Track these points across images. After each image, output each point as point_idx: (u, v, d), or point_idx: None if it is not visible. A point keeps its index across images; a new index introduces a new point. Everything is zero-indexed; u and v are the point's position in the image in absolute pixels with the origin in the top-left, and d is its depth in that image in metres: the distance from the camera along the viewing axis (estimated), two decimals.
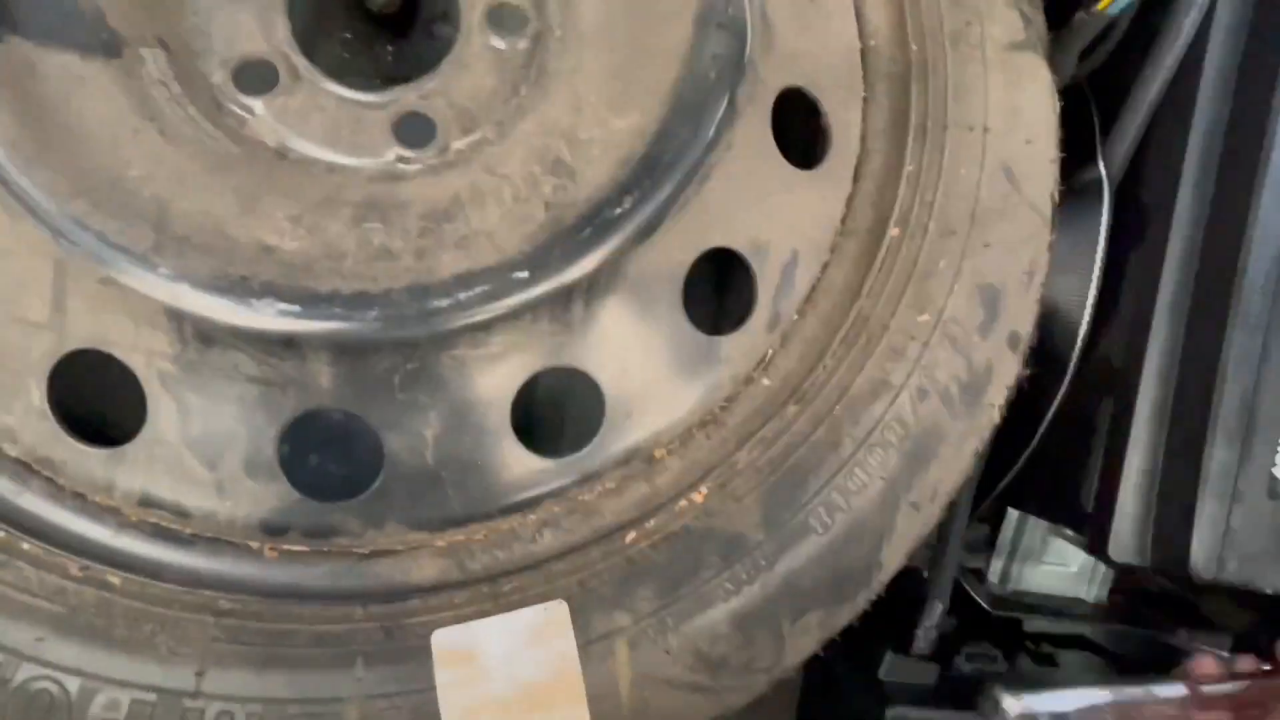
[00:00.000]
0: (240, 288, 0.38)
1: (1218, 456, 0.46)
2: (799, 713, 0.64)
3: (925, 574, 0.61)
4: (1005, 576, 0.70)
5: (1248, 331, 0.46)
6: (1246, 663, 0.52)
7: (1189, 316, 0.48)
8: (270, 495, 0.41)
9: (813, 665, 0.63)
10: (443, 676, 0.39)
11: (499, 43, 0.47)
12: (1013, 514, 0.69)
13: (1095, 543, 0.50)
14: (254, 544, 0.42)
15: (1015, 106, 0.51)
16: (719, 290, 0.55)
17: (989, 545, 0.72)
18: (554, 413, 0.52)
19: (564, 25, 0.47)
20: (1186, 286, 0.48)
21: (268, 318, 0.37)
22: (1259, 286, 0.45)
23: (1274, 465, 0.46)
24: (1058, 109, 0.52)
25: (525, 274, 0.40)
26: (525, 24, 0.48)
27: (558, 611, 0.41)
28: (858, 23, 0.52)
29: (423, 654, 0.40)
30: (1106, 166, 0.52)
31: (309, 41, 0.69)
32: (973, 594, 0.63)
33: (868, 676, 0.53)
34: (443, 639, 0.40)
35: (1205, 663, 0.51)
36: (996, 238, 0.49)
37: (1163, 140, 0.50)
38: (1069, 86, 0.57)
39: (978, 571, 0.72)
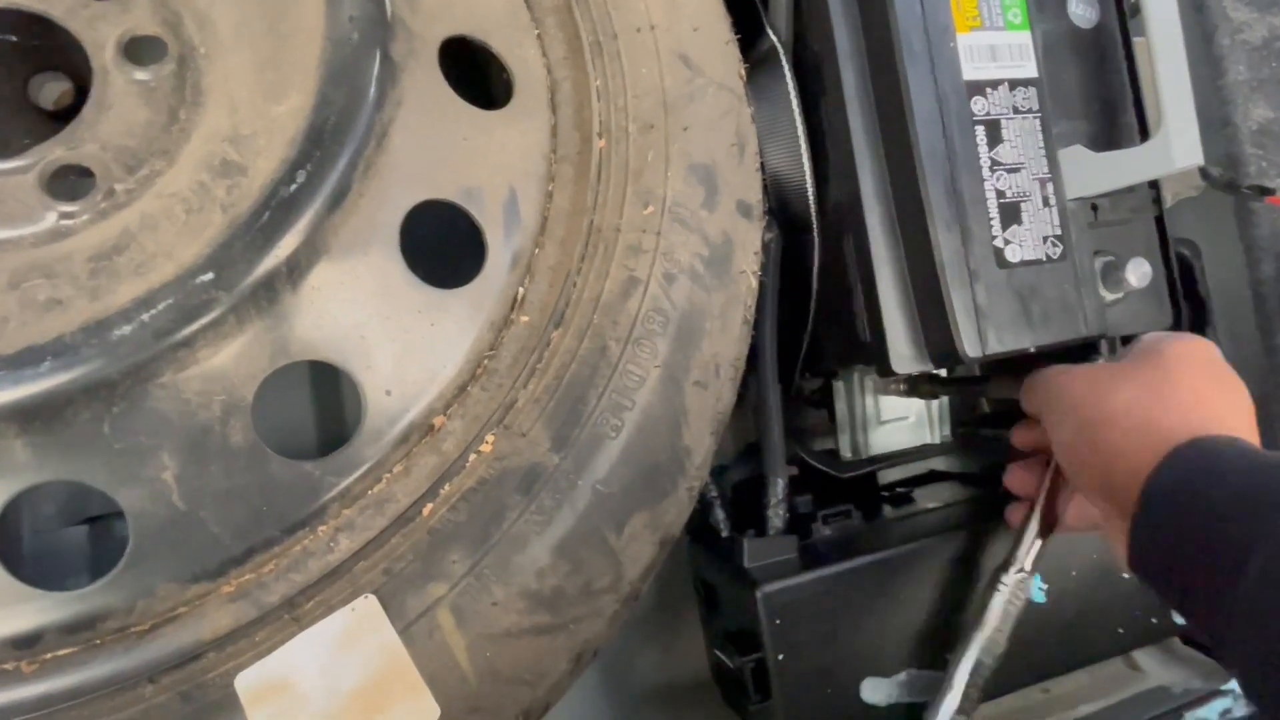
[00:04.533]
0: None
1: (945, 245, 0.49)
2: (707, 644, 0.63)
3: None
4: (855, 447, 0.72)
5: (927, 129, 0.49)
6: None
7: (881, 136, 0.52)
8: (6, 603, 0.37)
9: (700, 593, 0.64)
10: (258, 716, 0.36)
11: (142, 74, 0.45)
12: (839, 387, 0.72)
13: (881, 364, 0.52)
14: (7, 665, 0.37)
15: (673, 2, 0.53)
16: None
17: (833, 424, 0.75)
18: (335, 417, 0.49)
19: (205, 41, 0.46)
20: (870, 112, 0.52)
21: None
22: (922, 89, 0.49)
23: (993, 238, 0.50)
24: None
25: (210, 276, 0.38)
26: (164, 50, 0.46)
27: (366, 606, 0.38)
28: None
29: (231, 704, 0.37)
30: (774, 32, 0.56)
31: None
32: (825, 469, 0.65)
33: (736, 572, 0.53)
34: (247, 679, 0.37)
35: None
36: (693, 120, 0.51)
37: None
38: None
39: (832, 452, 0.74)
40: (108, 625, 0.38)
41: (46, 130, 0.65)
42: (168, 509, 0.38)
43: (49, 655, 0.37)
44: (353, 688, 0.37)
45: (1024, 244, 0.51)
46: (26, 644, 0.37)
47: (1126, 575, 0.57)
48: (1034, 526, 0.51)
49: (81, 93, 0.64)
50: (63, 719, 0.36)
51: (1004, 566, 0.52)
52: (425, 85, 0.46)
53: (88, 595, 0.38)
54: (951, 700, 0.49)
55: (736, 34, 0.55)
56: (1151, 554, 0.40)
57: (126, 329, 0.36)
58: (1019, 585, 0.51)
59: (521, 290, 0.47)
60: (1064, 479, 0.52)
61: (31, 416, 0.35)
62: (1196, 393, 0.43)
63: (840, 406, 0.73)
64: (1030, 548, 0.51)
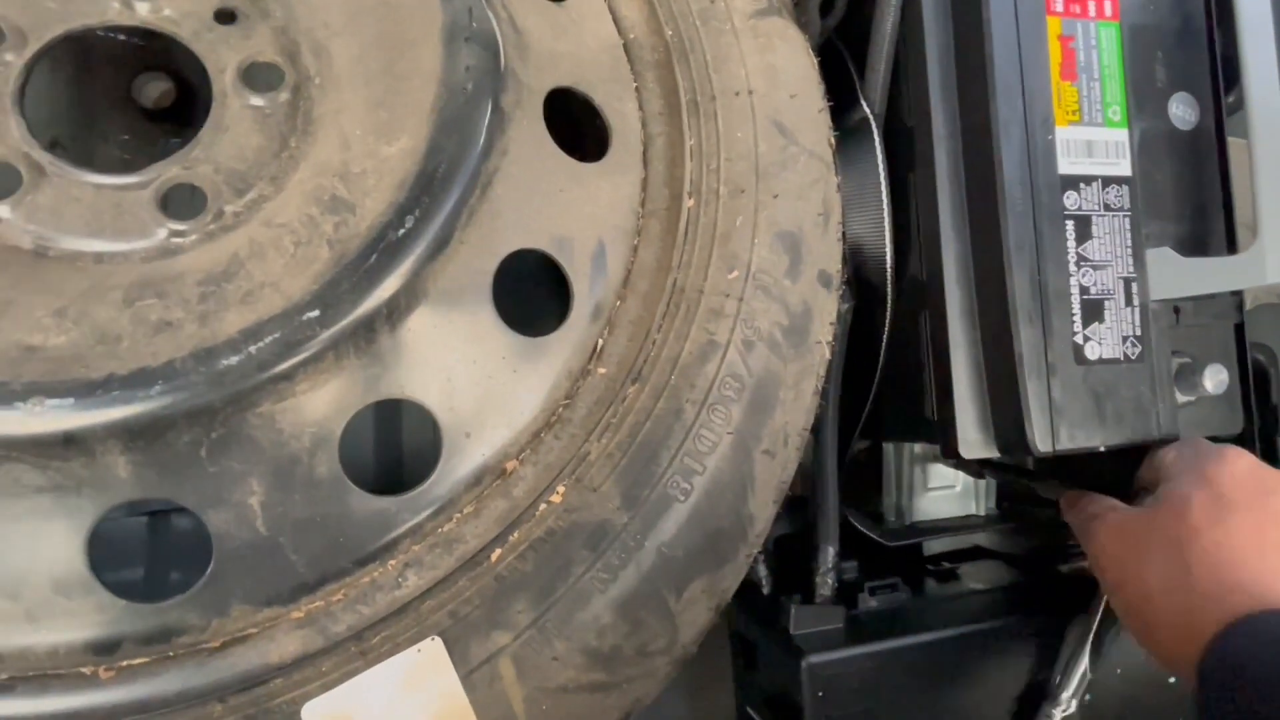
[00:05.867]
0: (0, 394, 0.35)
1: (1025, 338, 0.49)
2: (737, 699, 0.63)
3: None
4: (899, 512, 0.72)
5: (1018, 219, 0.49)
6: None
7: (969, 219, 0.52)
8: (90, 611, 0.38)
9: (738, 648, 0.64)
10: None
11: (258, 100, 0.47)
12: (888, 450, 0.72)
13: (946, 447, 0.52)
14: (85, 669, 0.38)
15: (772, 67, 0.54)
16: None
17: (879, 488, 0.74)
18: (393, 449, 0.50)
19: (320, 72, 0.47)
20: (960, 193, 0.52)
21: (37, 418, 0.35)
22: (1016, 178, 0.50)
23: (1074, 334, 0.50)
24: (815, 64, 0.56)
25: (316, 313, 0.39)
26: (281, 78, 0.47)
27: (432, 650, 0.39)
28: (613, 21, 0.54)
29: None
30: (869, 104, 0.56)
31: (84, 148, 0.66)
32: (869, 534, 0.65)
33: (780, 636, 0.54)
34: (314, 711, 0.38)
35: None
36: (783, 187, 0.51)
37: (908, 69, 0.54)
38: (824, 44, 0.62)
39: (875, 515, 0.74)
40: (182, 639, 0.39)
41: (144, 127, 0.67)
42: (251, 533, 0.39)
43: (125, 663, 0.38)
44: None
45: (1104, 342, 0.51)
46: (106, 650, 0.38)
47: (1173, 680, 0.56)
48: (1084, 659, 0.51)
49: (181, 93, 0.66)
50: None
51: (1051, 697, 0.51)
52: (530, 136, 0.47)
53: (166, 608, 0.39)
54: None
55: (829, 101, 0.55)
56: None
57: (233, 359, 0.37)
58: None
59: (601, 342, 0.48)
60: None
61: (136, 436, 0.37)
62: (1230, 549, 0.43)
63: (888, 470, 0.73)
64: (1078, 680, 0.51)
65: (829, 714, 0.51)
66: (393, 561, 0.42)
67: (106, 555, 0.61)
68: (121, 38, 0.64)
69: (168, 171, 0.45)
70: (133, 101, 0.67)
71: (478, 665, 0.40)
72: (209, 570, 0.39)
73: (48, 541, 0.37)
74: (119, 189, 0.44)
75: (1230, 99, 0.57)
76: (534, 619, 0.41)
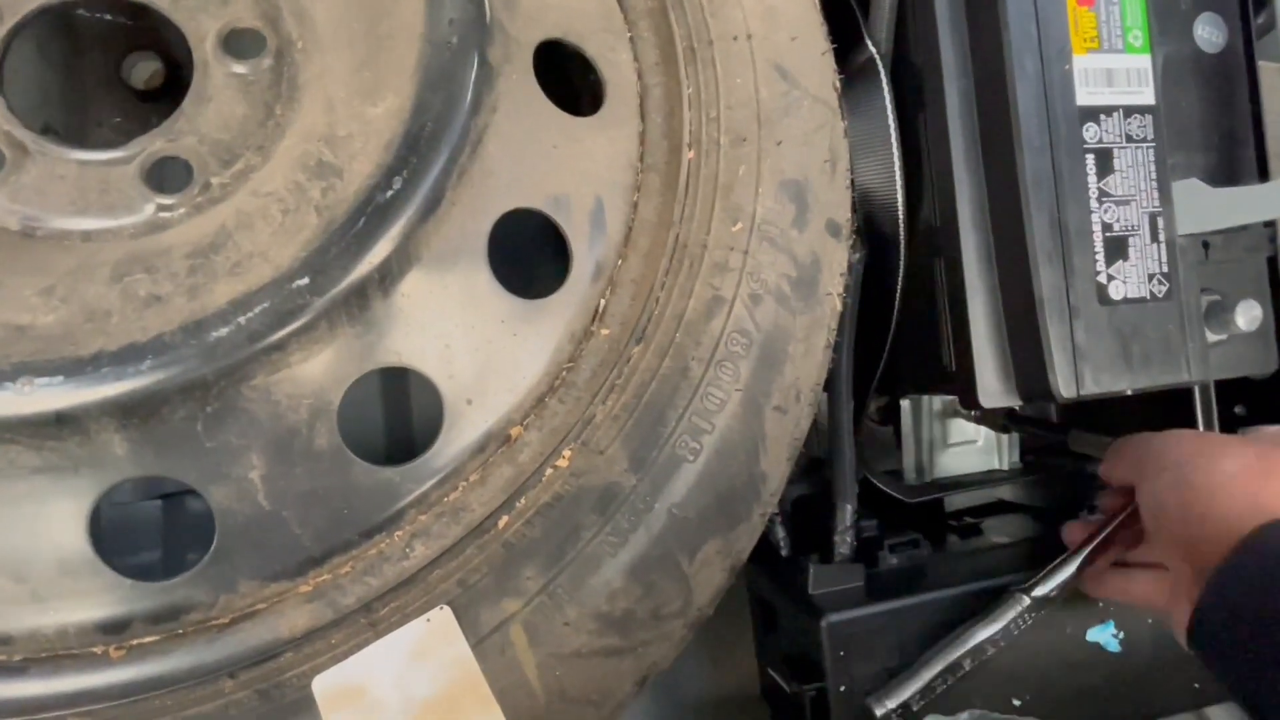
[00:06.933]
0: None
1: (1045, 279, 0.47)
2: (759, 663, 0.62)
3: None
4: (919, 469, 0.71)
5: (1034, 155, 0.47)
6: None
7: (984, 159, 0.49)
8: (98, 591, 0.37)
9: (757, 610, 0.63)
10: None
11: (240, 68, 0.45)
12: (906, 406, 0.70)
13: (966, 397, 0.50)
14: (96, 649, 0.38)
15: (771, 9, 0.51)
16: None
17: (899, 447, 0.73)
18: (403, 420, 0.49)
19: (303, 36, 0.46)
20: (973, 132, 0.50)
21: (28, 398, 0.34)
22: (1031, 112, 0.47)
23: (1097, 273, 0.48)
24: (817, 4, 0.53)
25: (305, 281, 0.38)
26: (263, 44, 0.46)
27: (441, 618, 0.39)
28: None
29: (308, 705, 0.37)
30: (874, 43, 0.53)
31: (76, 133, 0.65)
32: (889, 492, 0.63)
33: (799, 596, 0.53)
34: (324, 682, 0.37)
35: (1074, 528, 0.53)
36: (786, 134, 0.49)
37: (914, 3, 0.52)
38: None
39: (895, 473, 0.73)
40: (191, 617, 0.39)
41: (136, 109, 0.66)
42: (253, 508, 0.39)
43: (135, 642, 0.38)
44: (425, 699, 0.37)
45: (1128, 281, 0.48)
46: (115, 630, 0.38)
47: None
48: (1073, 567, 0.49)
49: (171, 73, 0.65)
50: (148, 707, 0.37)
51: (1027, 587, 0.49)
52: (520, 90, 0.45)
53: (173, 586, 0.39)
54: (914, 684, 0.48)
55: (833, 43, 0.53)
56: (1218, 632, 0.38)
57: (223, 331, 0.36)
58: (1024, 610, 0.49)
59: (603, 302, 0.46)
60: (1117, 543, 0.50)
61: (130, 413, 0.36)
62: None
63: (906, 427, 0.72)
64: (1058, 584, 0.49)
65: (850, 672, 0.50)
66: (399, 532, 0.41)
67: (123, 539, 0.61)
68: (107, 17, 0.63)
69: (152, 145, 0.43)
70: (124, 84, 0.66)
71: (488, 633, 0.39)
72: (213, 547, 0.39)
73: (49, 522, 0.37)
74: (104, 165, 0.43)
75: (1260, 20, 0.54)
76: (544, 585, 0.40)
